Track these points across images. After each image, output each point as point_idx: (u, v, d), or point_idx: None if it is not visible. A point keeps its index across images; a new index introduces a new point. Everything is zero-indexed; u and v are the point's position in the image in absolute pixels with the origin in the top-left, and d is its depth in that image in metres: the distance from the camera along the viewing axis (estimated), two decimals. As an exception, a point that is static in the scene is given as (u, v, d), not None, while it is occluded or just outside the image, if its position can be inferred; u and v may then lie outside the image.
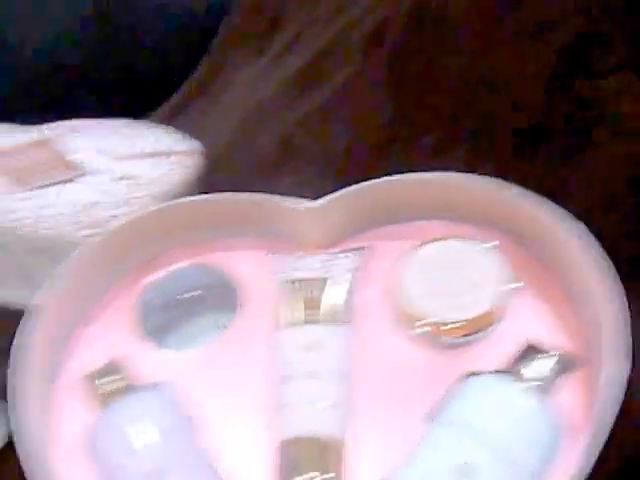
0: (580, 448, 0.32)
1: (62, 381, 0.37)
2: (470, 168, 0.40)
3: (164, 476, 0.32)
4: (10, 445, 0.40)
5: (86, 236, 0.47)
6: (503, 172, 0.40)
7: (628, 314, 0.33)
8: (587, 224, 0.36)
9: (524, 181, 0.39)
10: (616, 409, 0.31)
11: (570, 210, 0.37)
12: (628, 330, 0.33)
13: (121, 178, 0.54)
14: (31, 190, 0.52)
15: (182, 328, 0.43)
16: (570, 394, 0.34)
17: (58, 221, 0.49)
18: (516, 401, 0.33)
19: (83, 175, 0.54)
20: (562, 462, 0.32)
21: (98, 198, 0.52)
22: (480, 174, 0.39)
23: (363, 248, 0.40)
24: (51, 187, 0.53)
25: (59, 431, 0.35)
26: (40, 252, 0.48)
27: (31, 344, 0.36)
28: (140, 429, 0.34)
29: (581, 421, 0.33)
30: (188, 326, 0.43)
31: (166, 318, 0.43)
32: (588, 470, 0.30)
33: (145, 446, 0.33)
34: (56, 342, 0.38)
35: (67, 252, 0.45)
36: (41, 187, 0.53)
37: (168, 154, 0.57)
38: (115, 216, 0.50)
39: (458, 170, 0.40)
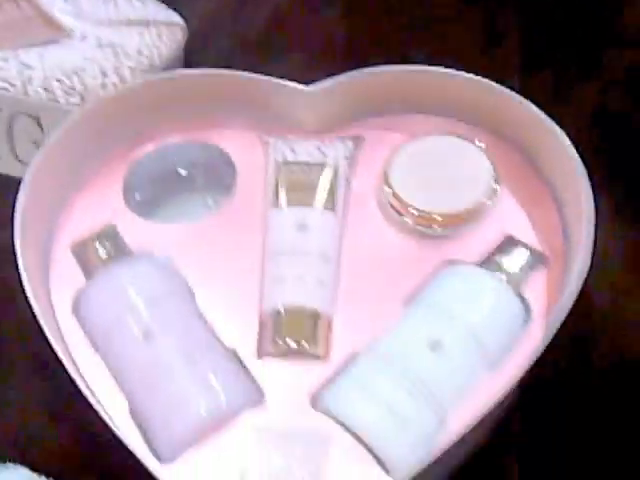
0: (538, 336, 0.34)
1: (57, 246, 0.38)
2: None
3: (159, 336, 0.34)
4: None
5: (76, 104, 0.47)
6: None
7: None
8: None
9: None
10: (574, 298, 0.34)
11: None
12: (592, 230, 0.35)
13: (106, 45, 0.53)
14: (13, 49, 0.50)
15: (170, 204, 0.44)
16: (536, 288, 0.36)
17: (47, 86, 0.48)
18: (489, 290, 0.36)
19: (66, 37, 0.53)
20: (521, 348, 0.35)
21: (85, 65, 0.51)
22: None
23: (359, 137, 0.41)
24: (34, 48, 0.51)
25: (56, 293, 0.37)
26: (29, 117, 0.48)
27: (25, 211, 0.36)
28: (135, 291, 0.35)
29: (543, 312, 0.36)
30: (176, 202, 0.44)
31: (155, 192, 0.44)
32: (541, 350, 0.33)
33: (141, 306, 0.35)
34: (50, 209, 0.39)
35: (57, 119, 0.45)
36: (23, 46, 0.51)
37: (150, 24, 0.55)
38: (105, 85, 0.49)
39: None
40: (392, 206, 0.39)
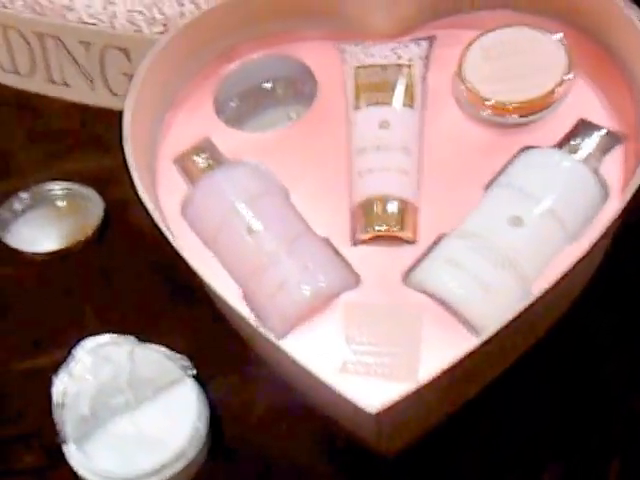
0: (614, 209, 0.36)
1: (160, 161, 0.42)
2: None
3: (261, 230, 0.37)
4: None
5: (160, 32, 0.50)
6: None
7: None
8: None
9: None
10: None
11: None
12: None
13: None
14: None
15: (255, 118, 0.47)
16: (613, 166, 0.38)
17: (131, 19, 0.51)
18: (564, 168, 0.37)
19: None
20: (598, 222, 0.36)
21: (162, -5, 0.53)
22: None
23: (432, 37, 0.42)
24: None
25: (165, 201, 0.40)
26: (118, 49, 0.51)
27: (129, 133, 0.40)
28: (235, 193, 0.39)
29: (618, 189, 0.37)
30: (261, 116, 0.47)
31: (242, 107, 0.47)
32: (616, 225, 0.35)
33: (242, 206, 0.38)
34: (150, 128, 0.42)
35: (143, 49, 0.48)
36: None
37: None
38: (183, 13, 0.52)
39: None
40: (468, 99, 0.41)
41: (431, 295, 0.36)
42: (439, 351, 0.34)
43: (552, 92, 0.40)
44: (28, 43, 0.53)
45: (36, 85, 0.55)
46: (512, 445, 0.38)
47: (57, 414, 0.36)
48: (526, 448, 0.38)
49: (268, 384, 0.40)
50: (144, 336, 0.39)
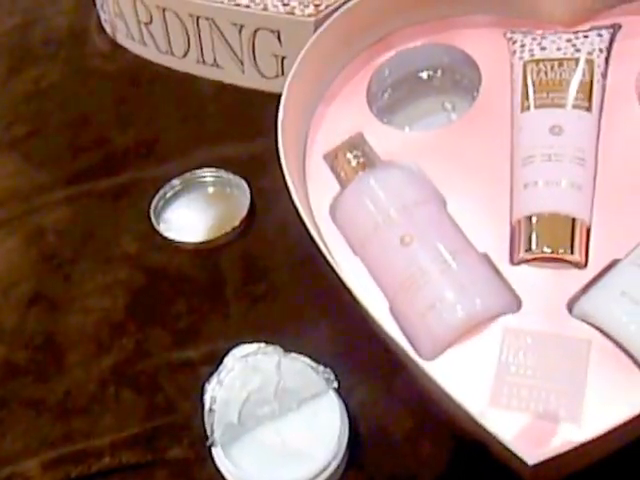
0: None
1: (310, 155, 0.41)
2: None
3: (414, 241, 0.35)
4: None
5: (312, 14, 0.48)
6: None
7: None
8: None
9: None
10: None
11: None
12: None
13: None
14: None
15: (408, 107, 0.44)
16: None
17: (284, 0, 0.50)
18: None
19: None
20: None
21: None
22: None
23: (616, 25, 0.38)
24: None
25: (314, 199, 0.39)
26: (269, 31, 0.50)
27: (284, 123, 0.38)
28: (389, 199, 0.37)
29: None
30: (414, 107, 0.44)
31: (394, 97, 0.44)
32: None
33: (395, 213, 0.36)
34: (302, 120, 0.41)
35: (295, 32, 0.47)
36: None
37: None
38: (340, -7, 0.50)
39: None
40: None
41: (600, 329, 0.32)
42: (606, 392, 0.31)
43: None
44: (183, 24, 0.53)
45: (188, 66, 0.56)
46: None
47: (207, 419, 0.36)
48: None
49: (411, 398, 0.38)
50: (286, 339, 0.38)
